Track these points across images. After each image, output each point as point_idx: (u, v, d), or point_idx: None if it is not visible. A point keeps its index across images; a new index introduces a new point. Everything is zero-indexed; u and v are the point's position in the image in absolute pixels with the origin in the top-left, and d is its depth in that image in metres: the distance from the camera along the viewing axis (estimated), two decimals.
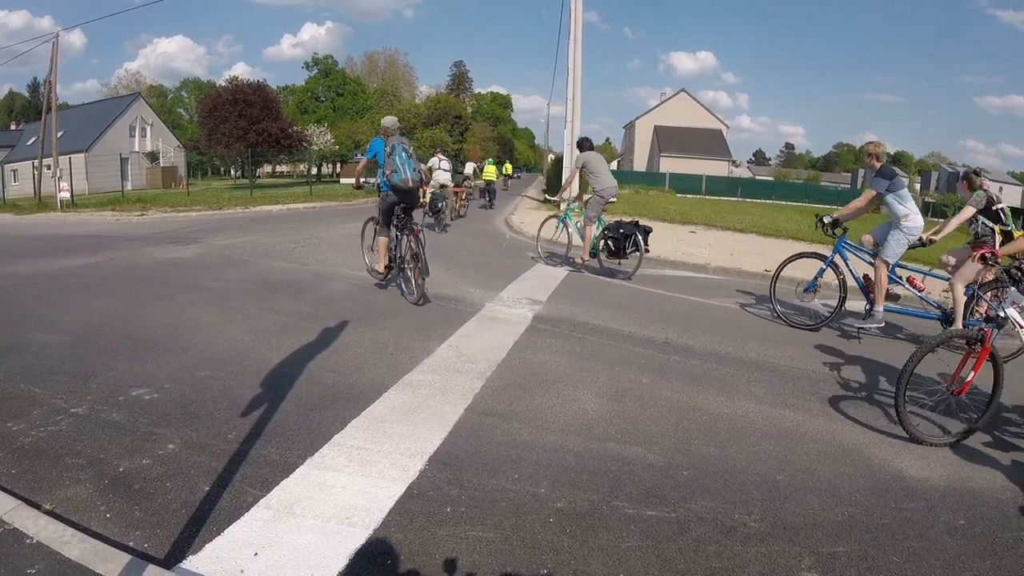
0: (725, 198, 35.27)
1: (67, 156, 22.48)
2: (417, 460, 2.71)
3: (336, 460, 2.68)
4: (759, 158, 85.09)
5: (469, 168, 18.78)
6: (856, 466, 2.98)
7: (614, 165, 66.07)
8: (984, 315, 3.28)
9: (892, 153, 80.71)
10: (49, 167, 19.64)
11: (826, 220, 5.61)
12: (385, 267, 6.14)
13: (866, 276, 5.54)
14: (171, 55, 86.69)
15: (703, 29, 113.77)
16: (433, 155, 13.56)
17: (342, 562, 2.00)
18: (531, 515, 2.35)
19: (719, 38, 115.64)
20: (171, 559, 1.97)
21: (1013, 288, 3.25)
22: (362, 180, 6.69)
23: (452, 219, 13.44)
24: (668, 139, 51.28)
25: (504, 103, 71.83)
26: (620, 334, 5.14)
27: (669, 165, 46.36)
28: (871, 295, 5.41)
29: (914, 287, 5.36)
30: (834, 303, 5.63)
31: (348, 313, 5.24)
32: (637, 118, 58.59)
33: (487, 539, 2.18)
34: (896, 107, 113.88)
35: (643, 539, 2.24)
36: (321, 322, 4.88)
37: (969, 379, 3.22)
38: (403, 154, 5.66)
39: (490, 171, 20.54)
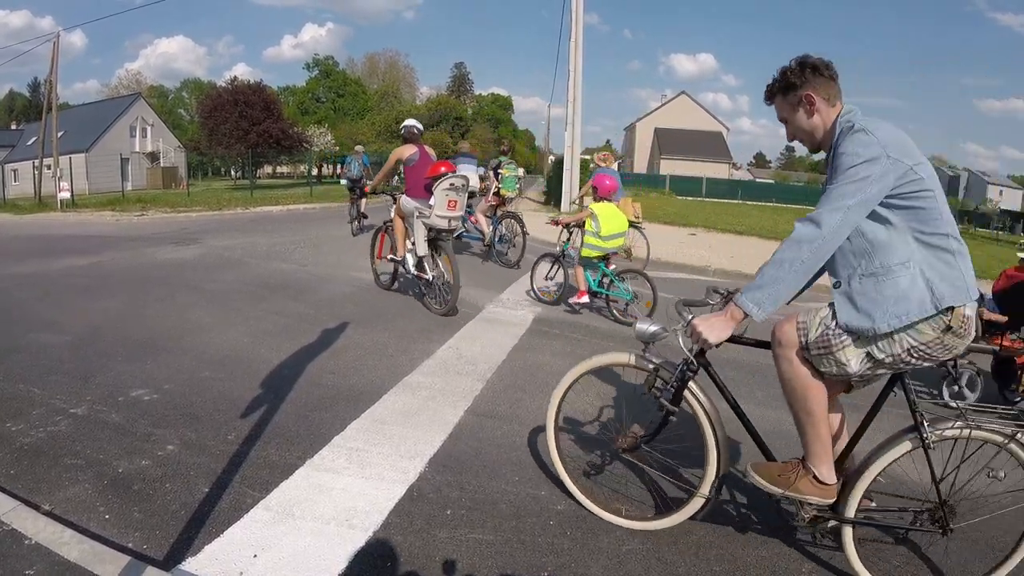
0: (725, 200, 35.25)
1: (67, 156, 22.46)
2: (417, 462, 2.71)
3: (336, 462, 2.67)
4: (759, 160, 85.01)
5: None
6: None
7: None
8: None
9: None
10: (49, 167, 19.62)
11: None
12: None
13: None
14: (172, 55, 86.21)
15: (703, 31, 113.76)
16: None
17: (342, 564, 1.99)
18: (531, 517, 2.35)
19: (719, 40, 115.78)
20: (170, 561, 1.96)
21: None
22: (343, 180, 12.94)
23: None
24: (668, 141, 51.32)
25: (505, 105, 71.78)
26: (621, 336, 5.13)
27: (669, 167, 46.37)
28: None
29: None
30: None
31: (348, 314, 5.24)
32: (637, 120, 58.68)
33: (487, 541, 2.18)
34: (896, 110, 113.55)
35: (644, 542, 2.24)
36: (321, 323, 4.88)
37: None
38: (354, 164, 11.75)
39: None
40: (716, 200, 34.62)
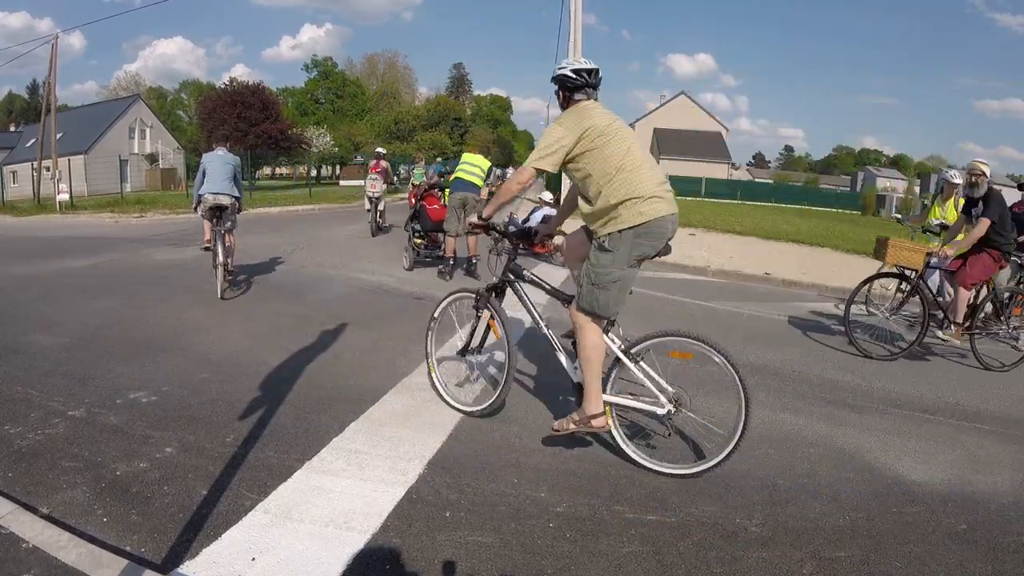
0: (725, 201, 35.28)
1: (66, 158, 22.49)
2: (416, 464, 2.70)
3: (334, 464, 2.66)
4: (758, 161, 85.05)
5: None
6: (857, 471, 2.97)
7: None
8: None
9: (891, 156, 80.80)
10: (48, 169, 19.62)
11: None
12: None
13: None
14: (170, 57, 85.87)
15: (702, 31, 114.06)
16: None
17: (340, 567, 1.98)
18: (531, 520, 2.34)
19: (718, 40, 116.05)
20: (168, 564, 1.95)
21: None
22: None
23: None
24: (667, 142, 51.34)
25: (504, 106, 71.75)
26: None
27: (668, 168, 46.33)
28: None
29: None
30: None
31: (347, 315, 5.23)
32: (636, 120, 58.66)
33: (487, 544, 2.17)
34: (895, 110, 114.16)
35: (644, 544, 2.23)
36: (319, 324, 4.87)
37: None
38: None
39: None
40: (715, 200, 34.65)
